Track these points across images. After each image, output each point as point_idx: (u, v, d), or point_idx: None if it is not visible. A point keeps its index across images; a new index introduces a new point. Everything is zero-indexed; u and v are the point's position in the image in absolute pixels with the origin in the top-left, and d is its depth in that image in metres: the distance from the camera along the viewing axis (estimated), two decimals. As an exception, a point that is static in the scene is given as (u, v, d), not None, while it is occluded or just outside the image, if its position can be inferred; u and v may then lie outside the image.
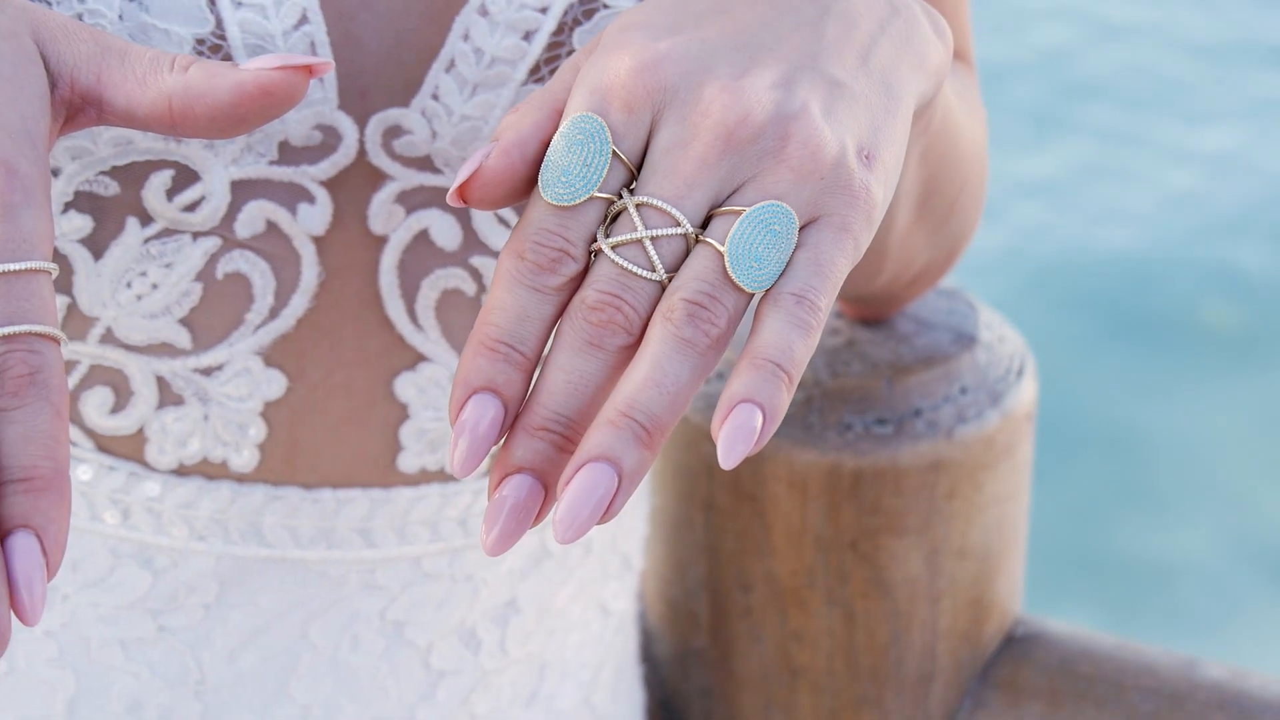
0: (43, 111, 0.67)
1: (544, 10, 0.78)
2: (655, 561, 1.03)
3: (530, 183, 0.69)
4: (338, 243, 0.81)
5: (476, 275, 0.82)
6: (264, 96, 0.69)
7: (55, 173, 0.79)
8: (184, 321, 0.81)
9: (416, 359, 0.83)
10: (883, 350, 0.99)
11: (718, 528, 0.99)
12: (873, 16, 0.71)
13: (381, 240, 0.81)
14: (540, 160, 0.69)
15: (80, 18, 0.75)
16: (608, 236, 0.67)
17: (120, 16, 0.75)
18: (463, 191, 0.69)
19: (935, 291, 1.02)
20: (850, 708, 1.00)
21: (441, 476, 0.85)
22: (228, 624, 0.84)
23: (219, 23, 0.76)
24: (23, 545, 0.63)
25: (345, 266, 0.81)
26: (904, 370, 0.98)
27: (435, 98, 0.79)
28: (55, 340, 0.64)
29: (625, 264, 0.67)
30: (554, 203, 0.67)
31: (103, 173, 0.79)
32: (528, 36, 0.78)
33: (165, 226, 0.80)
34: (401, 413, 0.83)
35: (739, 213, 0.67)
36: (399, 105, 0.79)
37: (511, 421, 0.67)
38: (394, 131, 0.79)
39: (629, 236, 0.67)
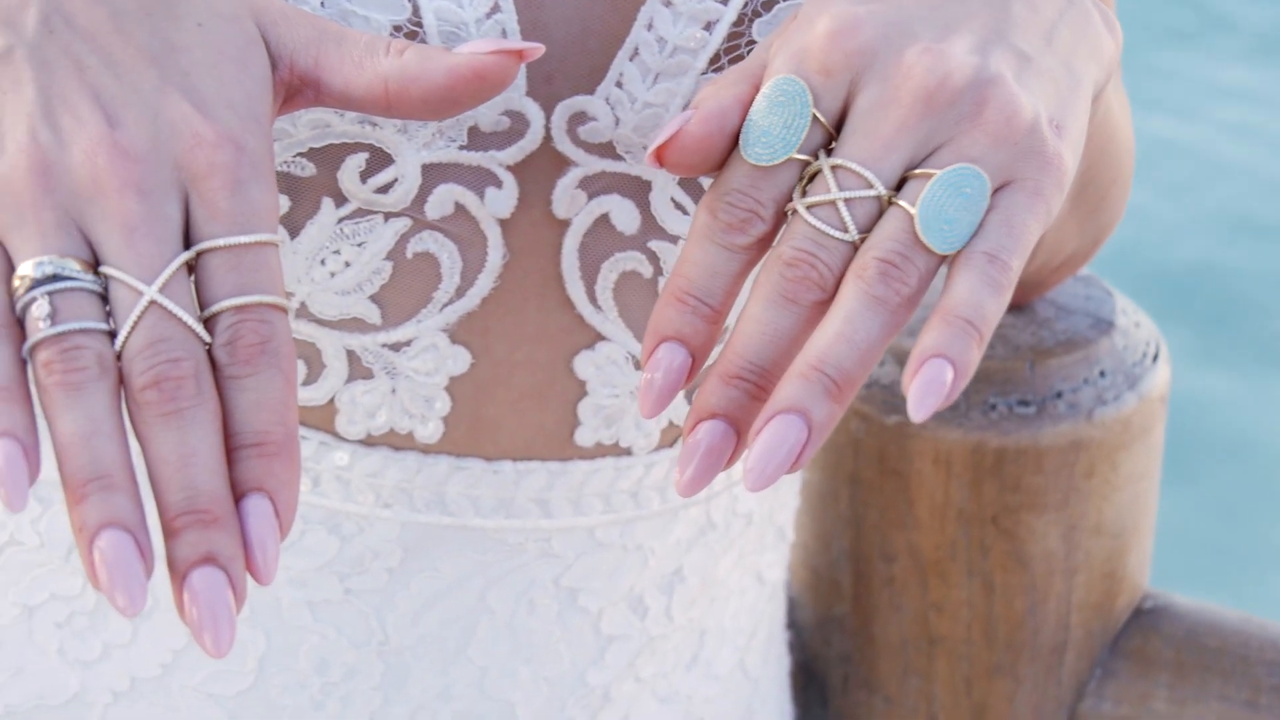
0: (266, 91, 0.71)
1: (725, 1, 0.81)
2: (800, 532, 1.07)
3: (725, 153, 0.72)
4: (522, 225, 0.84)
5: (654, 258, 0.86)
6: (477, 80, 0.72)
7: None
8: (374, 298, 0.85)
9: (595, 338, 0.86)
10: (1024, 334, 1.02)
11: (863, 501, 1.03)
12: (1052, 4, 0.74)
13: (564, 224, 0.85)
14: (738, 131, 0.72)
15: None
16: (804, 196, 0.70)
17: (322, 3, 0.79)
18: (660, 153, 0.72)
19: (1073, 278, 1.06)
20: (986, 675, 1.04)
21: (616, 450, 0.88)
22: (410, 588, 0.88)
23: (415, 10, 0.79)
24: (257, 508, 0.66)
25: (529, 248, 0.85)
26: (1045, 353, 1.01)
27: (619, 85, 0.82)
28: (283, 310, 0.68)
29: (819, 224, 0.69)
30: (754, 163, 0.70)
31: (300, 154, 0.83)
32: (709, 27, 0.82)
33: (358, 207, 0.83)
34: (580, 389, 0.87)
35: (931, 175, 0.69)
36: (584, 92, 0.83)
37: (696, 370, 0.70)
38: (579, 118, 0.83)
39: (823, 198, 0.70)
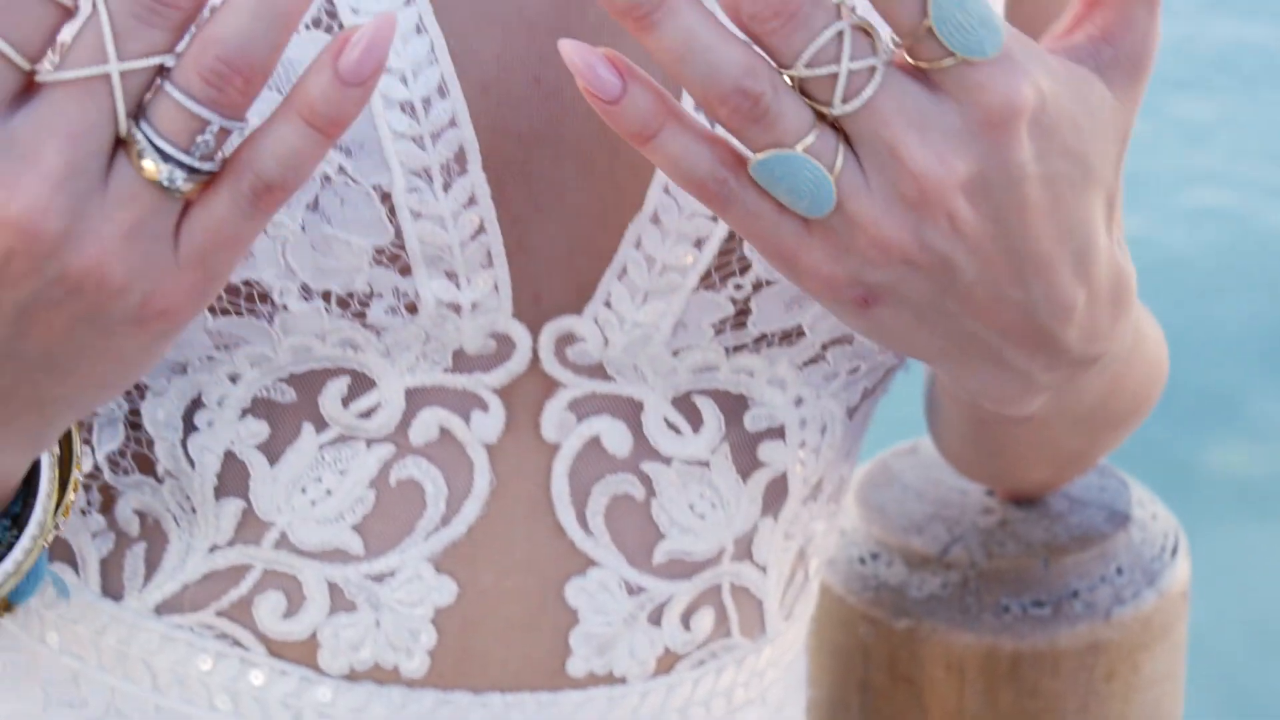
0: None
1: (715, 219, 0.78)
2: (809, 742, 1.03)
3: None
4: (510, 450, 0.81)
5: (646, 481, 0.82)
6: None
7: (234, 379, 0.80)
8: (357, 528, 0.81)
9: (586, 564, 0.83)
10: (1037, 530, 0.99)
11: (874, 710, 0.99)
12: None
13: (553, 447, 0.81)
14: None
15: (264, 229, 0.76)
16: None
17: (303, 227, 0.76)
18: None
19: (1087, 467, 1.02)
20: None
21: (609, 680, 0.85)
22: None
23: (398, 232, 0.77)
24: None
25: (517, 473, 0.82)
26: (1059, 550, 0.98)
27: (607, 305, 0.79)
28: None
29: None
30: None
31: (281, 380, 0.80)
32: (699, 244, 0.79)
33: (340, 433, 0.80)
34: (571, 618, 0.83)
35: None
36: (571, 313, 0.80)
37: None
38: (567, 339, 0.80)
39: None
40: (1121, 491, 1.01)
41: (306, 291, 0.77)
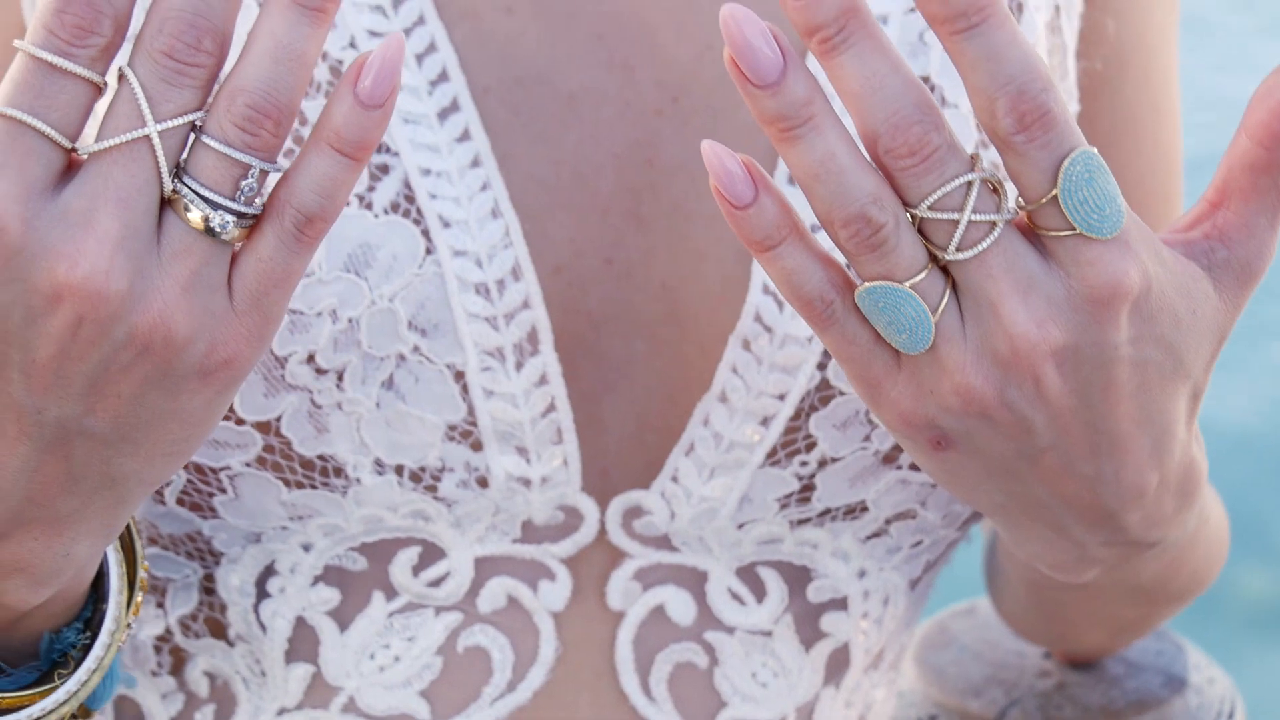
0: None
1: (782, 397, 0.80)
2: None
3: None
4: (576, 618, 0.83)
5: (709, 650, 0.83)
6: None
7: (307, 548, 0.82)
8: (424, 694, 0.83)
9: (649, 730, 0.84)
10: (1094, 694, 1.00)
11: None
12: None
13: (618, 615, 0.83)
14: None
15: (339, 406, 0.78)
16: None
17: (377, 404, 0.78)
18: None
19: (1144, 630, 1.03)
20: None
21: (671, 843, 0.86)
22: None
23: (471, 410, 0.78)
24: None
25: (582, 641, 0.83)
26: (1116, 715, 0.98)
27: (675, 480, 0.81)
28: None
29: None
30: None
31: (352, 548, 0.81)
32: (765, 422, 0.80)
33: (410, 601, 0.82)
34: (635, 782, 0.84)
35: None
36: (639, 487, 0.81)
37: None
38: (634, 512, 0.81)
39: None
40: (1178, 656, 1.02)
41: (380, 466, 0.79)
